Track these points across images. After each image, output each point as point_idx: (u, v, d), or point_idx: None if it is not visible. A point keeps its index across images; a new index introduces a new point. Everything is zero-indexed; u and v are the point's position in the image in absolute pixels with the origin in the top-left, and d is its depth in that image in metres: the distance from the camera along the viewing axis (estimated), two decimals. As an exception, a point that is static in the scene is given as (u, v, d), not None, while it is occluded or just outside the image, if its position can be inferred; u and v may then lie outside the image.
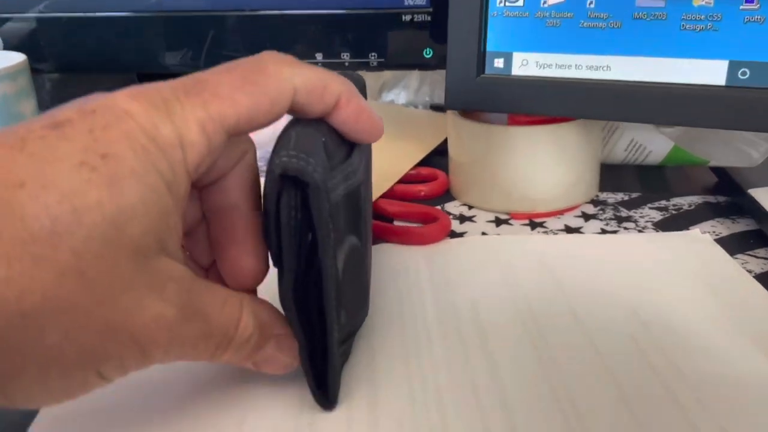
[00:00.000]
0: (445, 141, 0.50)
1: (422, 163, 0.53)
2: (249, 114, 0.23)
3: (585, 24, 0.38)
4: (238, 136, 0.24)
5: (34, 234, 0.18)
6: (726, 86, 0.36)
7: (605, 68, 0.38)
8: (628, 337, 0.31)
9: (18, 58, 0.41)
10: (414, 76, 0.65)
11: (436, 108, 0.65)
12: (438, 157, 0.54)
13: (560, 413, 0.26)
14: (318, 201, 0.23)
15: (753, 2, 0.34)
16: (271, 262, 0.26)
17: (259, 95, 0.23)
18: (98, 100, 0.21)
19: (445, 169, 0.50)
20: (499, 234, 0.43)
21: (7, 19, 0.53)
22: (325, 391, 0.27)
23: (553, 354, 0.30)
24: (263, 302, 0.26)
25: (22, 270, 0.18)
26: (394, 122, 0.61)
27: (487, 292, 0.35)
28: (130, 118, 0.20)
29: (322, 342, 0.26)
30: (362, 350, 0.31)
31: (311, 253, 0.25)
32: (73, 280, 0.19)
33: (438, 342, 0.31)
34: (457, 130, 0.47)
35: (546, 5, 0.39)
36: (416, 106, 0.66)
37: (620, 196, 0.48)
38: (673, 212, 0.45)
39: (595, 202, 0.47)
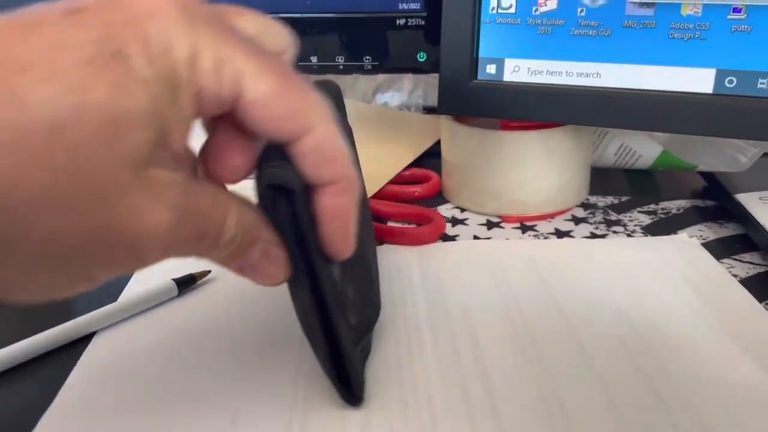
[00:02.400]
0: (439, 142, 0.50)
1: (415, 164, 0.54)
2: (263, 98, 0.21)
3: (576, 32, 0.38)
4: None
5: (32, 124, 0.17)
6: (713, 94, 0.37)
7: (595, 75, 0.39)
8: (616, 339, 0.32)
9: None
10: (407, 79, 0.66)
11: (429, 110, 0.66)
12: (431, 158, 0.54)
13: (548, 415, 0.27)
14: (301, 206, 0.24)
15: (740, 12, 0.35)
16: None
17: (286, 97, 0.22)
18: None
19: (438, 170, 0.51)
20: (490, 237, 0.43)
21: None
22: (351, 390, 0.28)
23: (543, 357, 0.31)
24: (249, 204, 0.24)
25: (15, 163, 0.17)
26: (388, 124, 0.61)
27: (479, 297, 0.36)
28: (152, 19, 0.19)
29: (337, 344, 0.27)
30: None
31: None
32: (68, 180, 0.18)
33: (429, 346, 0.32)
34: (450, 134, 0.47)
35: (538, 13, 0.39)
36: (409, 109, 0.66)
37: (610, 200, 0.48)
38: (662, 216, 0.46)
39: (585, 205, 0.48)
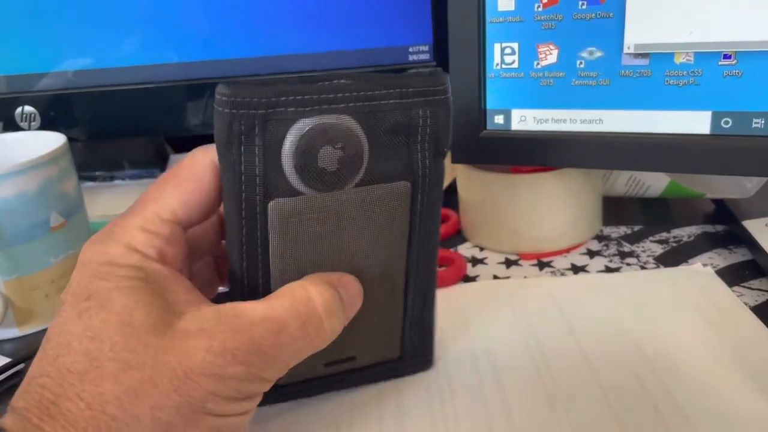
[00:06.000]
0: (456, 179, 0.53)
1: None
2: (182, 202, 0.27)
3: (576, 82, 0.41)
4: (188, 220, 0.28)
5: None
6: (711, 135, 0.39)
7: (598, 121, 0.41)
8: (633, 375, 0.34)
9: (59, 140, 0.45)
10: (422, 118, 0.69)
11: (445, 146, 0.68)
12: (450, 193, 0.56)
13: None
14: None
15: (730, 58, 0.37)
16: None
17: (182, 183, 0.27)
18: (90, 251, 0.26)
19: (455, 206, 0.53)
20: (509, 276, 0.46)
21: (39, 91, 0.57)
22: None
23: (563, 398, 0.33)
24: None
25: None
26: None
27: (502, 338, 0.38)
28: (85, 265, 0.25)
29: None
30: (390, 398, 0.34)
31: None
32: None
33: (459, 391, 0.34)
34: (464, 178, 0.50)
35: (539, 66, 0.42)
36: (426, 146, 0.69)
37: (623, 230, 0.50)
38: (673, 245, 0.47)
39: (599, 237, 0.50)
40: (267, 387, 0.25)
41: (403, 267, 0.32)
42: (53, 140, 0.45)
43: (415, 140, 0.28)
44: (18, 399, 0.22)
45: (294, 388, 0.33)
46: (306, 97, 0.25)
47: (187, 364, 0.22)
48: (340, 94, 0.26)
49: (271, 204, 0.26)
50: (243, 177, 0.26)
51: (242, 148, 0.25)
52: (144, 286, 0.24)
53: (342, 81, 0.26)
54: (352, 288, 0.28)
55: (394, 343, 0.34)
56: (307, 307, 0.26)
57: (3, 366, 0.38)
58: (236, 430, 0.25)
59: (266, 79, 0.25)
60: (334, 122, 0.26)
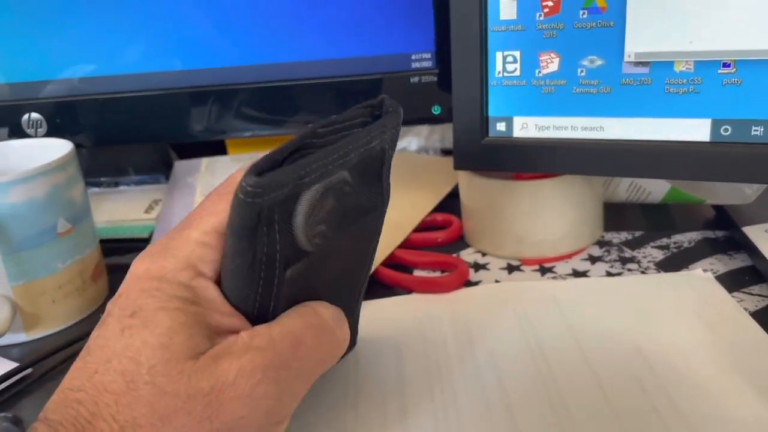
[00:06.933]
0: (458, 185, 0.53)
1: (437, 206, 0.56)
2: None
3: (577, 90, 0.41)
4: None
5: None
6: (711, 142, 0.39)
7: (599, 129, 0.42)
8: (633, 379, 0.34)
9: (66, 147, 0.45)
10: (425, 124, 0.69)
11: (447, 152, 0.69)
12: (451, 198, 0.57)
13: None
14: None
15: (729, 66, 0.38)
16: None
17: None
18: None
19: (458, 212, 0.54)
20: (511, 281, 0.46)
21: (45, 98, 0.57)
22: None
23: (565, 400, 0.33)
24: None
25: None
26: (408, 170, 0.65)
27: (505, 342, 0.38)
28: (138, 277, 0.25)
29: None
30: (394, 400, 0.34)
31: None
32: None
33: (462, 397, 0.34)
34: (466, 184, 0.50)
35: (541, 74, 0.42)
36: (428, 152, 0.69)
37: (624, 236, 0.51)
38: (674, 250, 0.48)
39: (600, 243, 0.50)
40: (294, 405, 0.26)
41: (366, 277, 0.34)
42: (60, 147, 0.46)
43: (382, 170, 0.30)
44: (53, 411, 0.22)
45: None
46: (318, 164, 0.25)
47: (219, 388, 0.23)
48: (342, 151, 0.26)
49: (288, 273, 0.26)
50: (264, 258, 0.25)
51: (265, 229, 0.25)
52: (188, 308, 0.24)
53: (320, 130, 0.27)
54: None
55: None
56: (318, 318, 0.27)
57: (11, 371, 0.39)
58: None
59: (276, 153, 0.25)
60: (337, 180, 0.26)
